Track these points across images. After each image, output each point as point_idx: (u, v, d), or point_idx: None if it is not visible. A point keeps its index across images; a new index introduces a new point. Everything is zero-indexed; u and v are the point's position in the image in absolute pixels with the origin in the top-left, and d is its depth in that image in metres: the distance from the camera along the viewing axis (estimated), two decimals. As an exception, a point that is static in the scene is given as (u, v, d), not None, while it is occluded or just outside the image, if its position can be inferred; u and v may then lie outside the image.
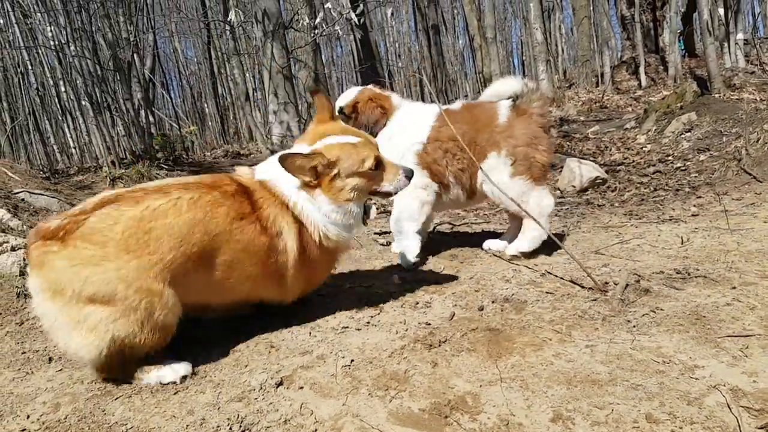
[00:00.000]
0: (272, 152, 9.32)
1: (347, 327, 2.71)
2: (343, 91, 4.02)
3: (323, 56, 19.39)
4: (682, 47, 16.31)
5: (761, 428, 1.76)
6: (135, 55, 8.80)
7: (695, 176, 7.18)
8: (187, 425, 1.97)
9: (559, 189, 7.16)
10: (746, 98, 9.97)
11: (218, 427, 1.94)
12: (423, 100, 23.47)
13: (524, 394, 2.02)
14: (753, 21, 18.45)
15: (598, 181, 7.16)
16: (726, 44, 14.73)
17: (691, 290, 2.85)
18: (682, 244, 3.73)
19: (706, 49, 12.19)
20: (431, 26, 22.81)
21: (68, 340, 2.18)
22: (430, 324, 2.66)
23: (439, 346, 2.43)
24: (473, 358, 2.30)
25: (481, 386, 2.10)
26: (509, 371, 2.18)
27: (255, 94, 17.11)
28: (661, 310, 2.62)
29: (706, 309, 2.59)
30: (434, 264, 3.69)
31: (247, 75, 17.29)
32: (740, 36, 15.40)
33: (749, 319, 2.47)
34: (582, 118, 13.20)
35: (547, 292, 2.92)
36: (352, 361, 2.36)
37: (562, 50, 22.66)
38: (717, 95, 10.74)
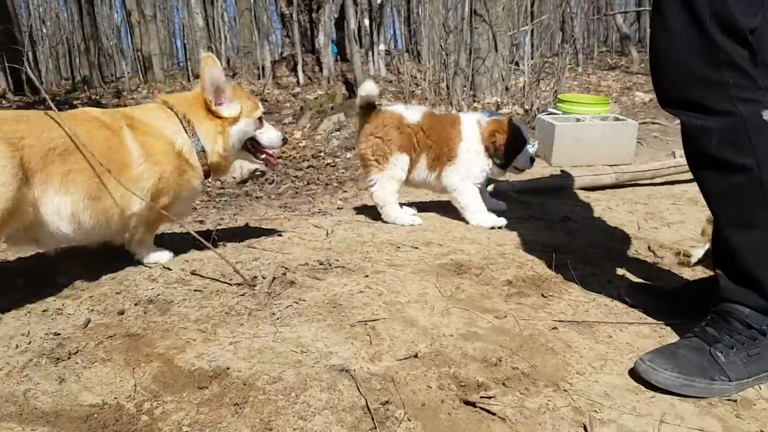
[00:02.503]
0: None
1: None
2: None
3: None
4: (335, 51, 17.71)
5: (383, 404, 1.98)
6: None
7: (342, 172, 7.87)
8: None
9: (219, 180, 7.13)
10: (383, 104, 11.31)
11: None
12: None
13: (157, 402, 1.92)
14: (393, 34, 21.04)
15: (257, 173, 7.35)
16: (371, 53, 16.49)
17: (330, 280, 3.08)
18: (327, 236, 4.02)
19: (353, 56, 13.49)
20: (83, -6, 20.59)
21: None
22: (59, 334, 2.35)
23: (69, 358, 2.16)
24: (108, 368, 2.10)
25: (115, 398, 1.93)
26: (146, 379, 2.05)
27: None
28: (304, 300, 2.77)
29: (342, 297, 2.82)
30: (72, 264, 3.26)
31: None
32: (382, 47, 17.41)
33: (377, 304, 2.77)
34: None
35: (195, 290, 2.84)
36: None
37: (226, 38, 22.57)
38: (361, 99, 11.96)
